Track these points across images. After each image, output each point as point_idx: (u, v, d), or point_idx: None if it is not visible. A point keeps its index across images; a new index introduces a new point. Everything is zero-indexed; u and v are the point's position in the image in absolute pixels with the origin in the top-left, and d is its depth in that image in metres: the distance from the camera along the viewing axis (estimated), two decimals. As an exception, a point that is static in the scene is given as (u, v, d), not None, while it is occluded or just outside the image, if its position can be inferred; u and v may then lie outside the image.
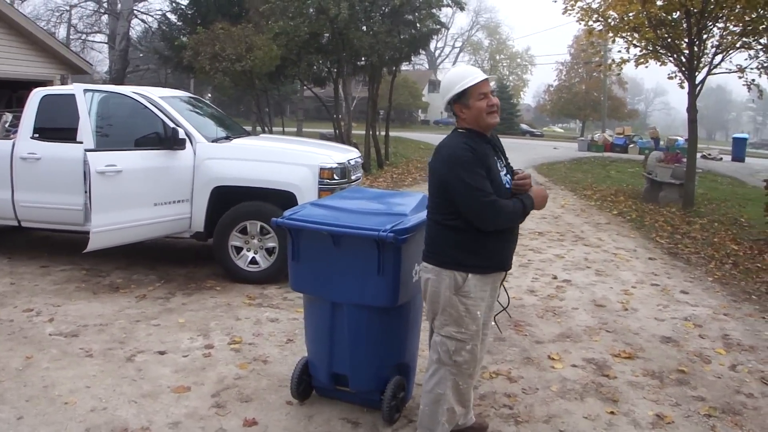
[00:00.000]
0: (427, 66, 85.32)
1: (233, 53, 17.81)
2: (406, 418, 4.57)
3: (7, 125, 9.20)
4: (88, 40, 40.37)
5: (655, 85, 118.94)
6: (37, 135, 8.22)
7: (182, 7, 27.74)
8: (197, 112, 8.74)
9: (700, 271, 9.56)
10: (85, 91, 7.45)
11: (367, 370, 4.39)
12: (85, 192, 7.84)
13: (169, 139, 7.53)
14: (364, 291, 4.20)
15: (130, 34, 31.82)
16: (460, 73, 3.91)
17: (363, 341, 4.32)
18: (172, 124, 7.60)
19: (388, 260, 4.11)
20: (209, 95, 36.44)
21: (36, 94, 8.47)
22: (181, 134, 7.53)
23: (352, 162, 8.35)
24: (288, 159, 7.89)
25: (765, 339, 6.77)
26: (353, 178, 8.25)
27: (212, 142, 7.93)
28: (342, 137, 21.54)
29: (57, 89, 9.65)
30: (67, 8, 34.79)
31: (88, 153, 7.09)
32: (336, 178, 7.75)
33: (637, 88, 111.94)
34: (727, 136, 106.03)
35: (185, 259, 8.79)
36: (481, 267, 3.81)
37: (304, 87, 29.81)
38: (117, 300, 7.07)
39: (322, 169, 7.67)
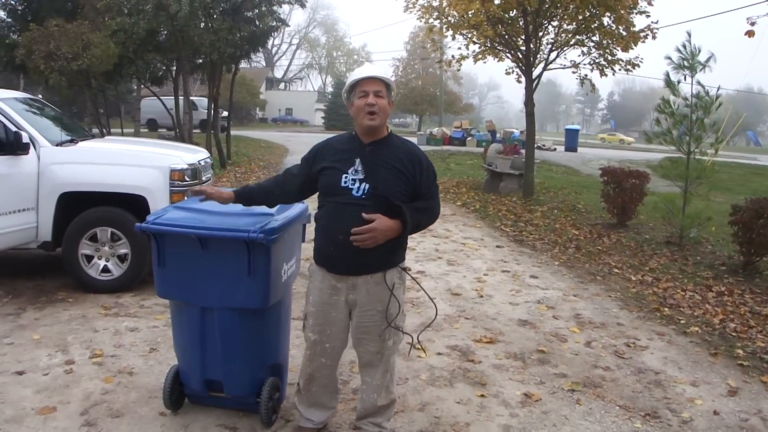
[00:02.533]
0: (264, 64, 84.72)
1: (69, 52, 17.09)
2: (283, 419, 4.55)
3: None
4: None
5: (488, 80, 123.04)
6: None
7: (12, 3, 26.34)
8: (38, 114, 8.26)
9: (546, 256, 9.98)
10: None
11: (241, 374, 4.33)
12: None
13: (11, 144, 7.08)
14: (234, 294, 4.13)
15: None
16: (356, 70, 3.95)
17: (236, 345, 4.25)
18: (14, 128, 7.16)
19: (259, 261, 4.07)
20: (40, 96, 34.77)
21: None
22: (25, 138, 7.11)
23: (202, 162, 8.19)
24: (137, 161, 7.63)
25: (613, 316, 7.19)
26: (204, 179, 8.08)
27: (57, 145, 7.53)
28: (183, 137, 21.09)
29: None
30: None
31: None
32: (187, 179, 7.55)
33: (472, 83, 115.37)
34: (558, 127, 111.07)
35: (32, 271, 8.30)
36: (314, 255, 4.02)
37: (142, 86, 28.91)
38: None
39: (172, 171, 7.46)
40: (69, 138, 7.94)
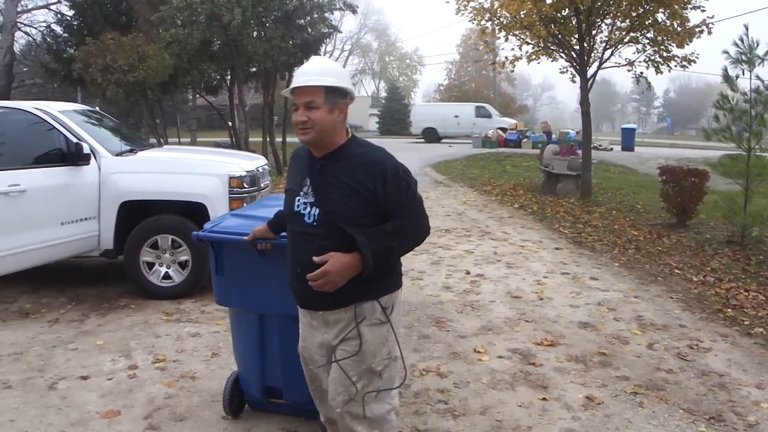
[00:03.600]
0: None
1: (125, 64, 17.40)
2: (344, 425, 4.55)
3: None
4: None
5: (542, 81, 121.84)
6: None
7: (68, 18, 26.88)
8: (98, 126, 8.44)
9: (605, 257, 9.85)
10: None
11: (300, 380, 4.33)
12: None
13: (72, 155, 7.24)
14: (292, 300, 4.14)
15: (15, 47, 30.66)
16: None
17: (294, 351, 4.26)
18: (75, 139, 7.32)
19: (316, 266, 4.06)
20: (97, 107, 35.39)
21: None
22: (86, 149, 7.27)
23: (260, 169, 8.26)
24: (196, 169, 7.75)
25: (675, 317, 7.06)
26: (262, 185, 8.16)
27: (117, 155, 7.69)
28: (239, 145, 21.32)
29: None
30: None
31: None
32: (246, 186, 7.64)
33: (525, 84, 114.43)
34: (614, 126, 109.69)
35: (95, 279, 8.49)
36: None
37: (196, 96, 29.32)
38: (28, 326, 6.77)
39: (231, 178, 7.55)
40: (128, 148, 8.10)
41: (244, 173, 7.67)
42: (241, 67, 21.46)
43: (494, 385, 5.24)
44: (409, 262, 9.08)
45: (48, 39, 27.92)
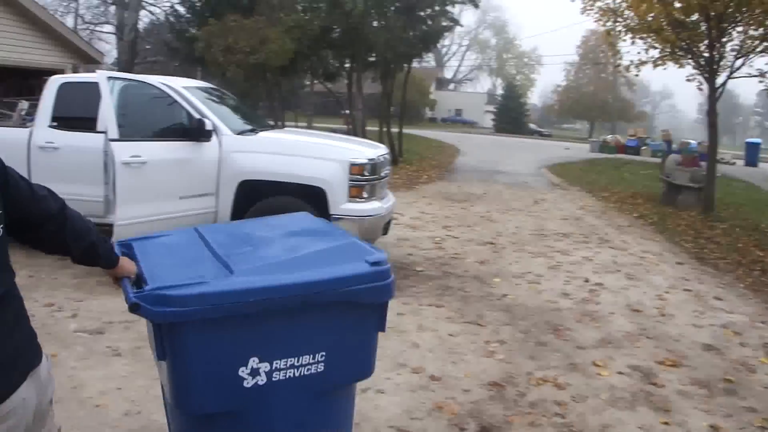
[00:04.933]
0: (434, 64, 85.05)
1: (246, 46, 17.59)
2: None
3: (23, 113, 8.97)
4: (96, 30, 40.17)
5: (662, 88, 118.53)
6: (55, 124, 8.01)
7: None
8: (221, 104, 8.47)
9: (729, 277, 9.33)
10: (109, 78, 7.21)
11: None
12: (106, 183, 7.65)
13: (194, 131, 7.26)
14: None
15: (138, 25, 31.60)
16: None
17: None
18: (197, 115, 7.35)
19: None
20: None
21: (54, 82, 8.26)
22: (208, 126, 7.27)
23: (381, 158, 8.07)
24: (317, 153, 7.62)
25: (808, 349, 6.55)
26: (383, 174, 7.99)
27: (238, 134, 7.66)
28: (355, 133, 21.32)
29: (76, 77, 9.34)
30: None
31: (112, 143, 6.85)
32: (366, 174, 7.46)
33: (644, 91, 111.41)
34: (735, 140, 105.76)
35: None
36: None
37: (314, 82, 29.52)
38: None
39: (352, 165, 7.37)
40: (249, 127, 8.07)
41: (365, 160, 7.51)
42: (361, 55, 21.42)
43: (614, 403, 4.93)
44: (527, 264, 8.88)
45: (171, 19, 28.67)
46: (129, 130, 7.09)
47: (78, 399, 4.48)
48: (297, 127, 25.08)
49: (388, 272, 2.82)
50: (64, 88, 8.19)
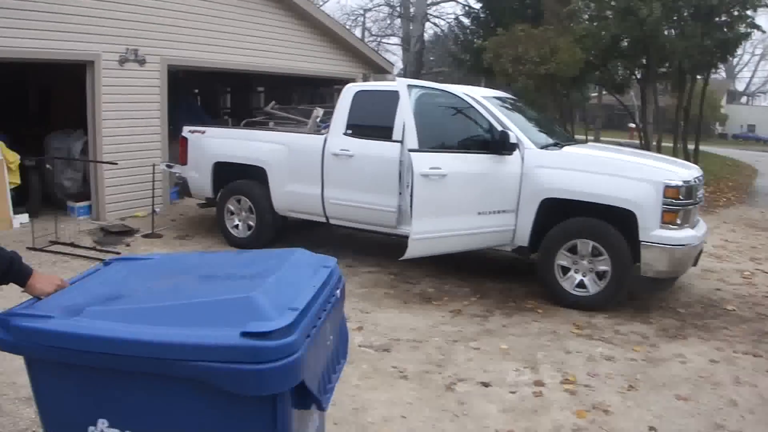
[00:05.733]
0: (724, 75, 79.64)
1: (536, 56, 17.07)
2: None
3: (318, 120, 9.04)
4: (383, 42, 41.48)
5: None
6: (349, 131, 7.95)
7: (475, 10, 27.62)
8: (520, 115, 7.98)
9: None
10: (409, 86, 6.97)
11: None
12: (400, 194, 7.45)
13: (496, 143, 6.85)
14: None
15: (424, 36, 32.17)
16: None
17: None
18: (500, 127, 6.93)
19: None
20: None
21: (349, 90, 8.23)
22: (512, 138, 6.84)
23: (696, 180, 7.15)
24: (627, 172, 6.84)
25: None
26: (697, 198, 7.09)
27: (541, 148, 7.14)
28: (647, 149, 20.07)
29: (372, 85, 9.29)
30: (362, 12, 35.88)
31: (411, 153, 6.59)
32: (681, 198, 6.61)
33: None
34: None
35: (498, 273, 8.08)
36: None
37: (602, 93, 28.46)
38: (430, 313, 6.52)
39: (667, 187, 6.53)
40: (553, 141, 7.53)
41: (680, 182, 6.66)
42: (654, 65, 20.16)
43: None
44: None
45: (456, 30, 28.87)
46: (427, 141, 6.79)
47: (359, 423, 4.23)
48: (587, 140, 24.22)
49: (272, 351, 2.06)
50: (359, 96, 8.12)
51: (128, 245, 8.93)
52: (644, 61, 20.12)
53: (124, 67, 10.50)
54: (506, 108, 7.74)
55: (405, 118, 6.89)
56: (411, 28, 31.63)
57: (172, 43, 11.20)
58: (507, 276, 7.93)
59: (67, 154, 10.87)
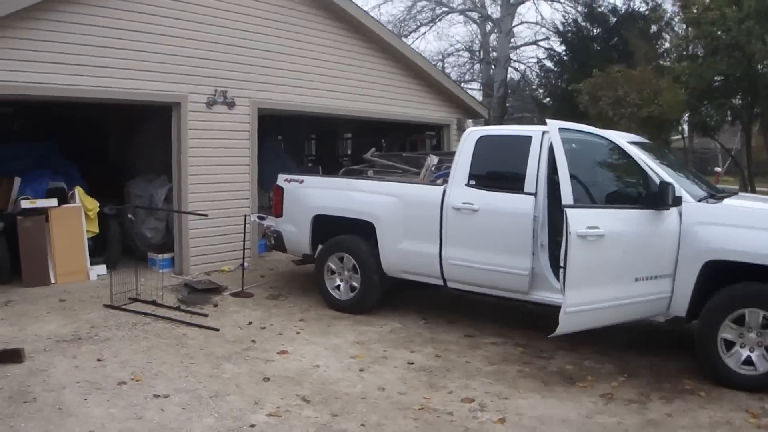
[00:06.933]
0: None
1: (637, 98, 16.03)
2: None
3: (432, 169, 8.15)
4: (463, 88, 40.69)
5: None
6: (473, 182, 7.04)
7: (557, 53, 26.87)
8: (667, 163, 6.94)
9: None
10: (561, 130, 6.05)
11: None
12: (533, 254, 6.49)
13: (655, 197, 5.87)
14: None
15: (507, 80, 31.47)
16: None
17: None
18: (657, 178, 5.95)
19: None
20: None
21: (471, 135, 7.32)
22: (678, 191, 5.86)
23: None
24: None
25: None
26: None
27: (699, 201, 6.14)
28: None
29: (497, 129, 8.19)
30: (441, 57, 35.23)
31: (567, 210, 5.63)
32: None
33: None
34: None
35: (638, 343, 6.96)
36: None
37: (691, 136, 27.19)
38: (577, 398, 5.51)
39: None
40: (708, 192, 6.52)
41: None
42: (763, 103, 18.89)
43: None
44: None
45: (538, 73, 28.12)
46: (577, 195, 5.87)
47: None
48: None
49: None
50: (483, 141, 7.18)
51: (216, 305, 8.14)
52: (749, 99, 18.84)
53: (212, 109, 9.88)
54: (653, 155, 6.71)
55: (558, 165, 5.88)
56: (492, 72, 30.98)
57: (262, 85, 10.56)
58: (651, 348, 6.83)
59: (149, 201, 10.26)
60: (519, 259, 6.59)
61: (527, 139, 6.57)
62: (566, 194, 5.69)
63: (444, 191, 7.19)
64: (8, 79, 7.85)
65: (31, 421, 4.82)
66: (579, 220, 5.60)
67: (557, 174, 6.00)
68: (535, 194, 6.51)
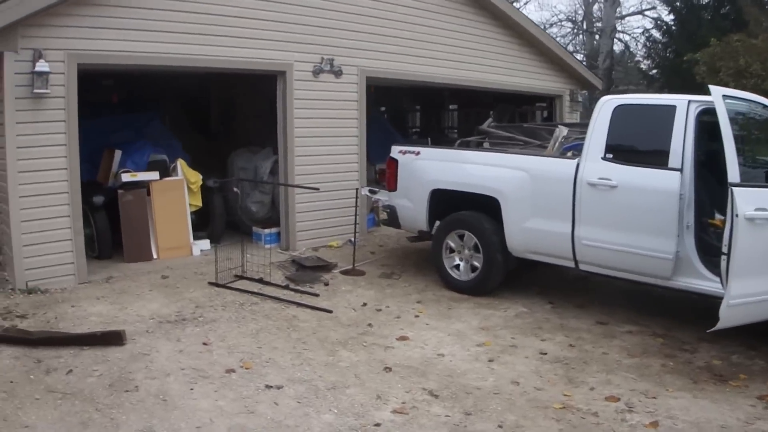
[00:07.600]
0: None
1: (761, 68, 15.01)
2: None
3: (561, 140, 7.55)
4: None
5: None
6: (610, 155, 6.42)
7: (666, 23, 25.69)
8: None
9: None
10: (724, 97, 5.44)
11: None
12: (678, 236, 5.87)
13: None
14: None
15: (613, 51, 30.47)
16: None
17: None
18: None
19: None
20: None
21: (607, 104, 6.68)
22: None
23: None
24: None
25: None
26: None
27: None
28: None
29: (636, 98, 7.24)
30: (543, 28, 34.27)
31: (735, 189, 5.02)
32: None
33: None
34: None
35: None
36: None
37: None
38: (732, 399, 4.91)
39: None
40: None
41: None
42: None
43: None
44: None
45: (645, 44, 27.03)
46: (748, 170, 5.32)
47: None
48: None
49: None
50: (621, 111, 6.54)
51: (326, 284, 7.77)
52: None
53: (319, 78, 9.50)
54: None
55: (724, 137, 5.22)
56: (595, 43, 30.00)
57: (369, 53, 10.10)
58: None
59: (254, 174, 9.95)
60: (662, 242, 5.97)
61: (671, 109, 5.97)
62: (733, 171, 5.07)
63: (577, 165, 6.62)
64: (128, 49, 7.66)
65: (133, 413, 4.49)
66: (748, 200, 4.99)
67: (705, 148, 5.43)
68: (680, 170, 5.90)
